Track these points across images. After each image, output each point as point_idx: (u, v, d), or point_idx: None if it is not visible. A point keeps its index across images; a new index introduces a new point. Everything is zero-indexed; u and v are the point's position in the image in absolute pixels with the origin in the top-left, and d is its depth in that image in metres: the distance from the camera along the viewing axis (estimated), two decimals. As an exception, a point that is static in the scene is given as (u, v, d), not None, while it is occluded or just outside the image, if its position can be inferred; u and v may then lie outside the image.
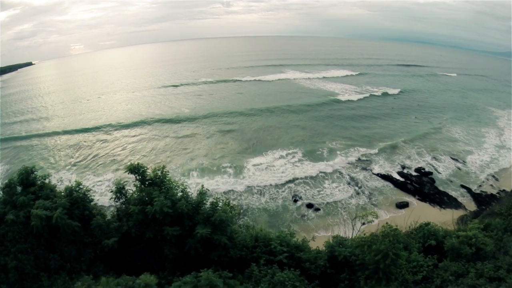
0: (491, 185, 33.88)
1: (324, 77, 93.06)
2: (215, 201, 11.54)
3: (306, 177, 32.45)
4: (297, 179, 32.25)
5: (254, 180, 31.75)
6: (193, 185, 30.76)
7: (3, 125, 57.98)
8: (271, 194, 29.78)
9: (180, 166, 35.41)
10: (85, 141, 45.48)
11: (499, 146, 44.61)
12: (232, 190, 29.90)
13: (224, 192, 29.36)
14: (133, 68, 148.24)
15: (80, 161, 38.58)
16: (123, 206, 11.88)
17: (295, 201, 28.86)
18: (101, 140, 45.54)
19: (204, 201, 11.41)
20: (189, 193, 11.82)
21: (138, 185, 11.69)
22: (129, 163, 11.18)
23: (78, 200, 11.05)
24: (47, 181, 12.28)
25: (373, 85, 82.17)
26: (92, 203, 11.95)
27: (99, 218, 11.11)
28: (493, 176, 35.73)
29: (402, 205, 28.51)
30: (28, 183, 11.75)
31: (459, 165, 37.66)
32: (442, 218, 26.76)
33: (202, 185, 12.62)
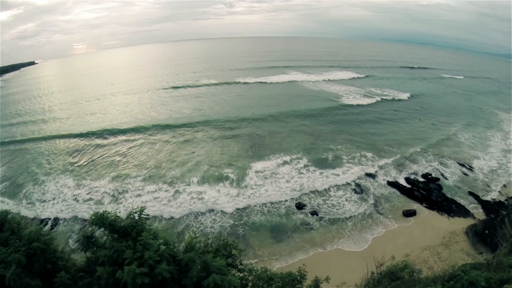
0: (499, 191, 32.87)
1: (329, 80, 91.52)
2: (207, 252, 9.40)
3: (313, 190, 31.00)
4: (303, 189, 31.03)
5: (257, 191, 30.37)
6: (193, 194, 30.13)
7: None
8: (273, 204, 28.71)
9: (179, 172, 34.48)
10: (83, 145, 44.62)
11: (505, 151, 43.63)
12: (237, 209, 27.95)
13: (225, 212, 27.62)
14: (135, 69, 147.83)
15: (77, 166, 37.76)
16: (96, 253, 10.08)
17: (299, 208, 27.93)
18: (100, 145, 44.62)
19: (196, 257, 9.31)
20: (175, 244, 9.79)
21: (107, 235, 9.82)
22: (92, 213, 9.40)
23: (37, 251, 9.29)
24: (9, 217, 10.55)
25: (380, 88, 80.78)
26: (59, 249, 9.97)
27: (63, 275, 9.34)
28: (501, 182, 34.74)
29: (410, 214, 27.47)
30: None
31: (466, 170, 36.67)
32: (451, 227, 26.02)
33: (193, 232, 10.67)
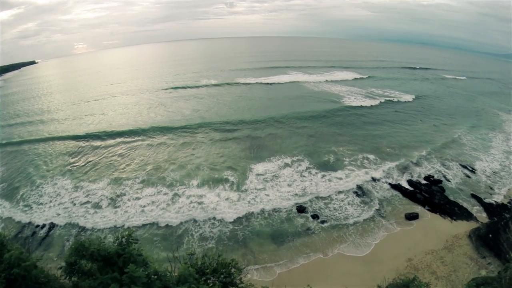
0: (503, 194, 32.45)
1: (331, 80, 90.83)
2: (204, 274, 8.73)
3: (316, 196, 30.24)
4: (306, 194, 30.43)
5: (257, 196, 29.71)
6: (193, 197, 29.66)
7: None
8: (274, 207, 28.20)
9: (178, 174, 34.08)
10: (81, 147, 44.23)
11: (507, 152, 43.19)
12: (238, 217, 26.95)
13: (224, 221, 26.74)
14: (135, 69, 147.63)
15: (75, 168, 37.34)
16: (81, 279, 9.43)
17: (300, 211, 27.50)
18: (98, 146, 44.22)
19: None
20: (167, 273, 8.92)
21: (91, 263, 9.07)
22: (73, 242, 8.73)
23: (18, 277, 8.66)
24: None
25: (382, 88, 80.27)
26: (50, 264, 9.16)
27: None
28: (504, 185, 34.27)
29: (412, 217, 27.06)
30: None
31: (468, 172, 36.23)
32: (454, 230, 25.61)
33: (188, 254, 9.84)
